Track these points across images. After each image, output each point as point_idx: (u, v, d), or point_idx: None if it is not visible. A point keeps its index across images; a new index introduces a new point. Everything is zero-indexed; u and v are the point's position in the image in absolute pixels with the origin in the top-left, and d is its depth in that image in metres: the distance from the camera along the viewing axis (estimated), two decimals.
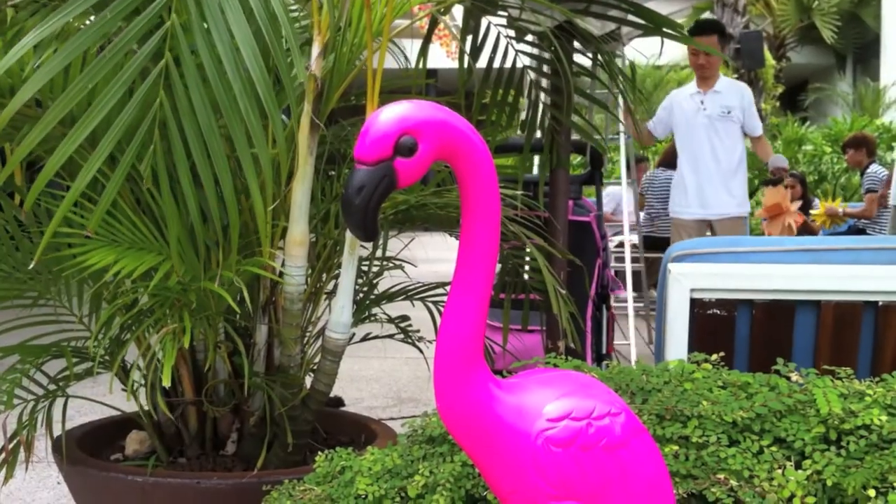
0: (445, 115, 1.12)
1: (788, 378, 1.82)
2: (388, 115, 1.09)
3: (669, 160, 8.40)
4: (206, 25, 1.92)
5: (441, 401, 1.18)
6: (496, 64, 3.00)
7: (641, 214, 8.53)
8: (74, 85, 1.84)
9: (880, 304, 2.30)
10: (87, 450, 2.42)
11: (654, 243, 8.07)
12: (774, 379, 1.82)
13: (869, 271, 2.33)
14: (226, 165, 2.00)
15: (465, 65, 2.88)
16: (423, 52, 2.81)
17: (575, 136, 3.30)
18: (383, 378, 5.48)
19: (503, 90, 2.94)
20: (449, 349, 1.17)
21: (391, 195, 2.46)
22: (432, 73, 2.58)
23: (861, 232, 7.87)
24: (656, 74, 17.36)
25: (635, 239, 8.56)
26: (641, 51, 4.46)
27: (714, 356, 1.90)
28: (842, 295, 2.30)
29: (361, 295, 2.83)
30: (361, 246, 2.49)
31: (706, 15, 17.66)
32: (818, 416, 1.67)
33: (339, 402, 2.88)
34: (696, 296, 2.37)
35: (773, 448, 1.64)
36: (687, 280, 2.36)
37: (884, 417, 1.64)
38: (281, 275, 2.28)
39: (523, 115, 3.12)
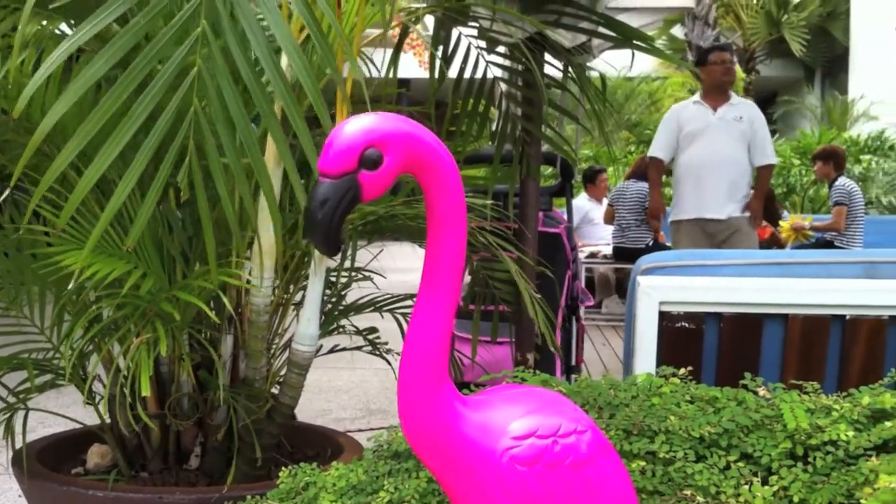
0: (411, 127, 1.10)
1: (756, 392, 1.81)
2: (353, 128, 1.07)
3: (641, 171, 8.45)
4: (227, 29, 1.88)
5: (405, 419, 1.16)
6: (467, 74, 2.99)
7: (611, 227, 8.57)
8: (107, 97, 1.77)
9: (848, 317, 2.30)
10: (48, 463, 2.37)
11: (625, 254, 8.10)
12: (742, 393, 1.81)
13: (836, 285, 2.34)
14: (220, 177, 1.95)
15: (436, 75, 2.87)
16: (394, 61, 2.79)
17: (546, 148, 3.30)
18: (353, 389, 5.44)
19: (474, 101, 2.93)
20: (413, 366, 1.15)
21: (359, 206, 2.44)
22: (405, 82, 2.56)
23: (830, 245, 7.93)
24: (627, 86, 17.44)
25: (607, 250, 8.60)
26: (613, 63, 4.50)
27: (682, 370, 1.89)
28: (809, 308, 2.31)
29: (330, 306, 2.81)
30: (331, 258, 2.47)
31: (677, 28, 17.82)
32: (785, 432, 1.67)
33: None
34: (665, 308, 2.37)
35: (741, 463, 1.63)
36: (656, 293, 2.36)
37: (850, 433, 1.64)
38: (249, 284, 2.25)
39: (494, 126, 3.12)
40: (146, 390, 1.94)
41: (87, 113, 1.82)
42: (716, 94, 5.68)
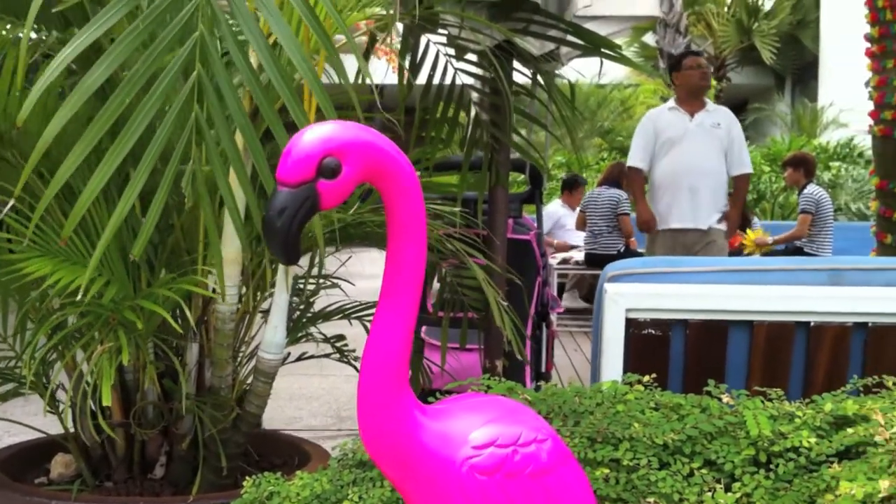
0: (370, 136, 1.09)
1: (720, 399, 1.82)
2: (312, 136, 1.06)
3: (613, 178, 8.48)
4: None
5: (365, 428, 1.16)
6: (437, 81, 2.99)
7: (583, 233, 8.59)
8: (111, 101, 1.76)
9: (812, 324, 2.32)
10: (12, 473, 2.34)
11: (597, 260, 8.13)
12: (706, 400, 1.82)
13: (801, 292, 2.36)
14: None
15: (405, 82, 2.87)
16: (363, 68, 2.78)
17: (516, 155, 3.30)
18: (323, 396, 5.42)
19: (443, 107, 2.93)
20: (373, 375, 1.14)
21: (326, 213, 2.43)
22: (379, 89, 2.56)
23: (799, 251, 7.99)
24: (600, 93, 17.51)
25: (579, 256, 8.63)
26: (586, 70, 4.46)
27: (647, 377, 1.90)
28: (774, 315, 2.33)
29: (298, 314, 2.79)
30: (297, 265, 2.46)
31: (649, 36, 17.92)
32: (748, 438, 1.67)
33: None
34: (632, 316, 2.38)
35: (704, 470, 1.64)
36: (623, 300, 2.37)
37: (813, 440, 1.66)
38: (213, 294, 2.23)
39: (464, 133, 3.11)
40: (108, 400, 1.92)
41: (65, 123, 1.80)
42: (692, 99, 5.56)
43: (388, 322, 1.15)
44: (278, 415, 4.94)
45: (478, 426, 1.18)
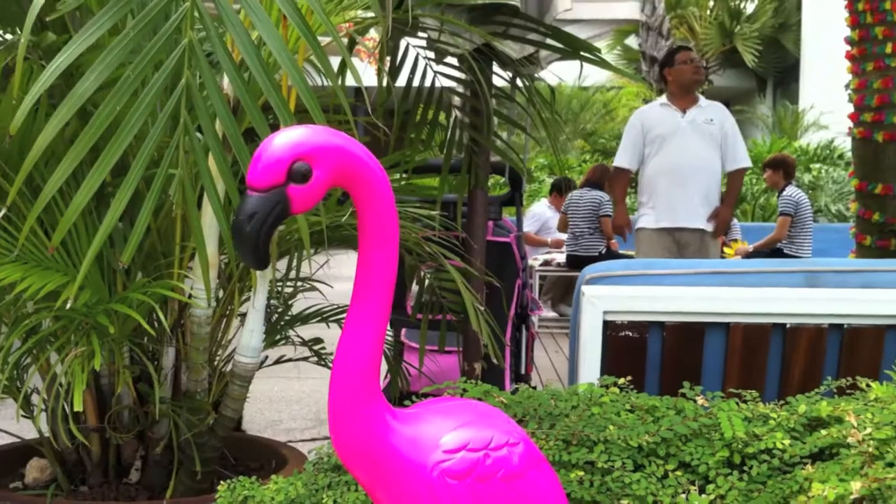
0: (342, 140, 1.09)
1: (695, 401, 1.83)
2: (282, 141, 1.06)
3: (596, 180, 8.50)
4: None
5: (336, 433, 1.15)
6: (417, 84, 2.99)
7: (565, 235, 8.60)
8: (100, 111, 1.77)
9: (788, 326, 2.33)
10: None
11: (579, 261, 8.13)
12: (681, 402, 1.83)
13: (777, 294, 2.37)
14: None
15: (385, 84, 2.87)
16: (342, 71, 2.78)
17: (496, 157, 3.31)
18: (303, 399, 5.40)
19: (422, 110, 2.93)
20: (344, 380, 1.14)
21: (305, 216, 2.43)
22: (366, 90, 2.56)
23: (779, 252, 8.04)
24: (583, 95, 17.56)
25: (561, 258, 8.64)
26: (569, 73, 4.40)
27: (622, 380, 1.90)
28: (750, 317, 2.33)
29: (276, 317, 2.79)
30: (275, 268, 2.45)
31: (631, 38, 17.98)
32: (723, 440, 1.68)
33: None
34: (609, 318, 2.38)
35: (678, 472, 1.65)
36: (600, 302, 2.37)
37: (786, 441, 1.66)
38: (190, 297, 2.23)
39: (444, 136, 3.12)
40: (79, 405, 1.91)
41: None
42: (684, 94, 5.36)
43: (359, 327, 1.14)
44: (258, 418, 4.93)
45: (449, 430, 1.18)
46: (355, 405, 1.14)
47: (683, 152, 5.25)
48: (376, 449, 1.15)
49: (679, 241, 5.30)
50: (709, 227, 5.34)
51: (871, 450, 1.55)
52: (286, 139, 1.06)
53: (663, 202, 5.29)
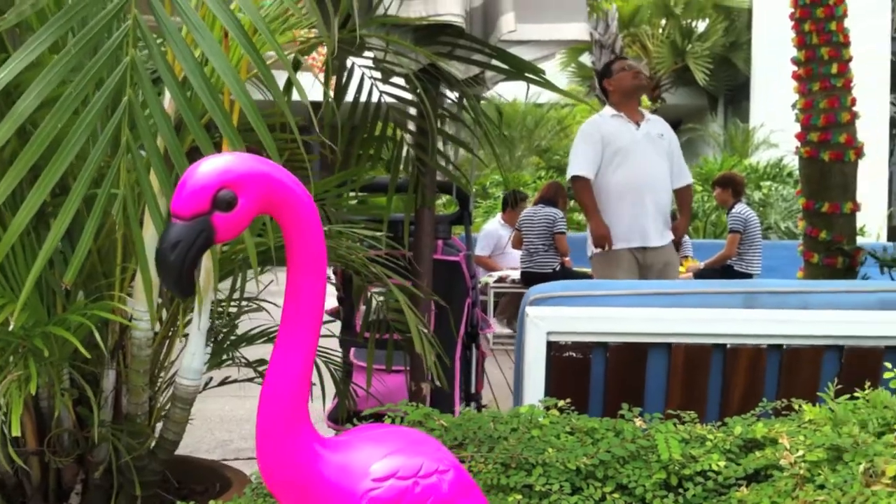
0: (268, 167, 1.09)
1: (634, 422, 1.84)
2: (207, 168, 1.05)
3: (549, 197, 8.55)
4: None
5: (263, 462, 1.15)
6: (364, 101, 2.99)
7: (519, 252, 8.63)
8: (41, 129, 1.74)
9: (728, 346, 2.36)
10: None
11: (533, 278, 8.17)
12: (620, 424, 1.84)
13: (717, 315, 2.40)
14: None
15: (331, 103, 2.87)
16: (288, 90, 2.78)
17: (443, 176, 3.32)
18: (254, 419, 5.33)
19: (368, 129, 2.94)
20: (271, 409, 1.13)
21: (247, 237, 2.41)
22: (316, 106, 2.55)
23: (730, 269, 8.14)
24: (537, 112, 17.71)
25: (516, 274, 8.67)
26: (523, 90, 4.30)
27: (561, 402, 1.91)
28: (691, 338, 2.36)
29: (221, 337, 2.76)
30: (217, 289, 2.43)
31: (584, 56, 18.16)
32: (660, 462, 1.69)
33: None
34: (553, 339, 2.40)
35: (616, 495, 1.66)
36: (544, 323, 2.38)
37: (722, 463, 1.68)
38: (131, 319, 2.20)
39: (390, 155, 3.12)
40: (17, 430, 1.87)
41: None
42: (629, 102, 5.19)
43: (286, 355, 1.14)
44: (208, 438, 4.88)
45: (379, 458, 1.18)
46: (283, 434, 1.13)
47: (643, 168, 5.09)
48: (304, 478, 1.14)
49: (644, 262, 5.12)
50: (669, 244, 5.20)
51: (802, 472, 1.57)
52: (211, 167, 1.05)
53: (625, 221, 5.07)
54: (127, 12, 1.85)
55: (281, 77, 2.92)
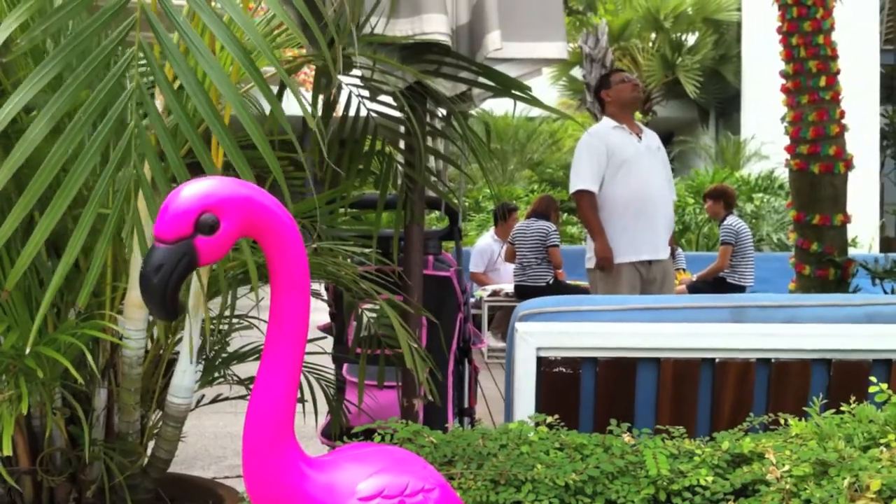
0: (250, 191, 1.10)
1: (623, 438, 1.85)
2: (189, 192, 1.06)
3: (542, 210, 8.57)
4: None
5: (249, 482, 1.15)
6: (351, 120, 3.00)
7: (513, 265, 8.64)
8: (52, 155, 1.75)
9: (717, 360, 2.37)
10: None
11: (526, 292, 8.18)
12: (609, 439, 1.85)
13: (705, 329, 2.41)
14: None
15: (320, 121, 2.88)
16: (276, 107, 2.78)
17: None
18: None
19: (356, 146, 2.95)
20: (257, 429, 1.14)
21: (235, 255, 2.42)
22: (304, 123, 2.57)
23: (722, 281, 8.16)
24: (529, 126, 17.77)
25: (510, 288, 8.68)
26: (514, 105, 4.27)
27: (549, 418, 1.92)
28: (680, 352, 2.37)
29: (213, 354, 2.77)
30: (207, 307, 2.44)
31: (575, 69, 18.23)
32: (648, 478, 1.70)
33: None
34: (543, 354, 2.40)
35: None
36: (533, 339, 2.39)
37: (710, 478, 1.69)
38: (122, 338, 2.20)
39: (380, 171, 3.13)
40: (8, 449, 1.88)
41: None
42: (628, 114, 5.20)
43: (271, 376, 1.15)
44: (203, 454, 4.87)
45: (365, 477, 1.19)
46: (268, 453, 1.14)
47: (649, 180, 5.05)
48: (291, 497, 1.15)
49: (647, 277, 5.06)
50: (668, 258, 5.20)
51: (788, 486, 1.58)
52: (193, 191, 1.06)
53: (629, 234, 5.00)
54: (131, 39, 1.86)
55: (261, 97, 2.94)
